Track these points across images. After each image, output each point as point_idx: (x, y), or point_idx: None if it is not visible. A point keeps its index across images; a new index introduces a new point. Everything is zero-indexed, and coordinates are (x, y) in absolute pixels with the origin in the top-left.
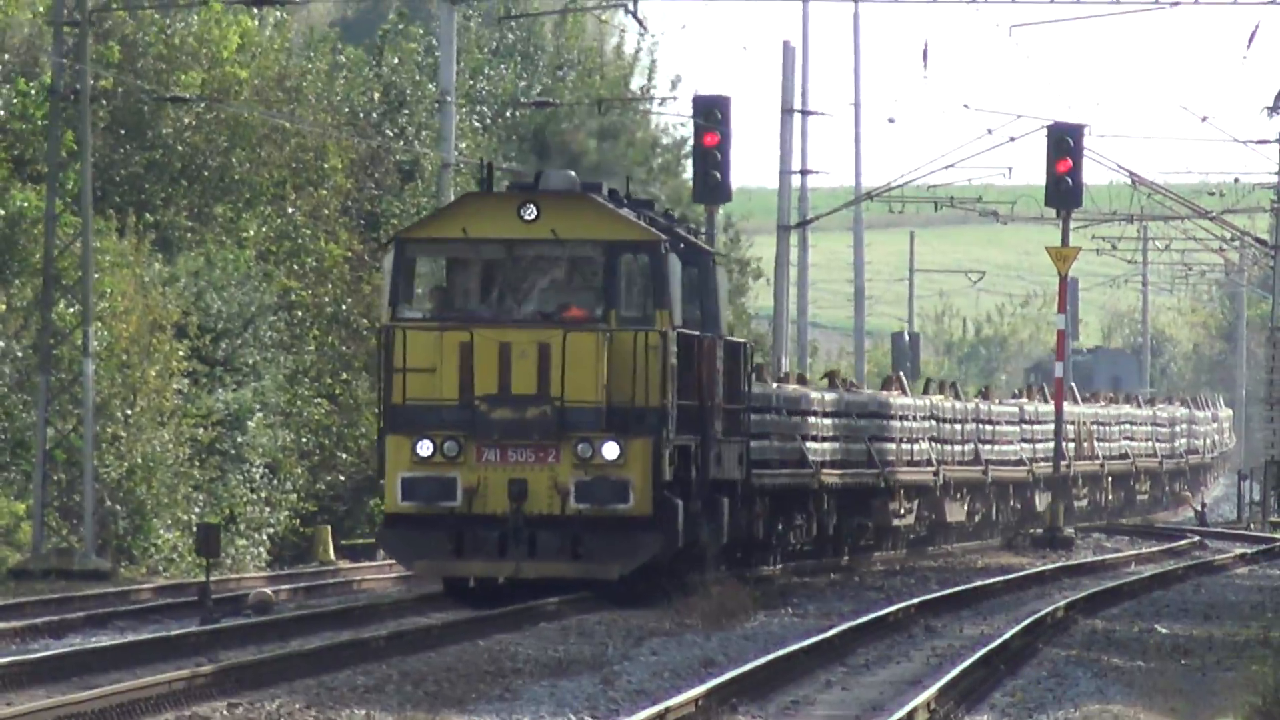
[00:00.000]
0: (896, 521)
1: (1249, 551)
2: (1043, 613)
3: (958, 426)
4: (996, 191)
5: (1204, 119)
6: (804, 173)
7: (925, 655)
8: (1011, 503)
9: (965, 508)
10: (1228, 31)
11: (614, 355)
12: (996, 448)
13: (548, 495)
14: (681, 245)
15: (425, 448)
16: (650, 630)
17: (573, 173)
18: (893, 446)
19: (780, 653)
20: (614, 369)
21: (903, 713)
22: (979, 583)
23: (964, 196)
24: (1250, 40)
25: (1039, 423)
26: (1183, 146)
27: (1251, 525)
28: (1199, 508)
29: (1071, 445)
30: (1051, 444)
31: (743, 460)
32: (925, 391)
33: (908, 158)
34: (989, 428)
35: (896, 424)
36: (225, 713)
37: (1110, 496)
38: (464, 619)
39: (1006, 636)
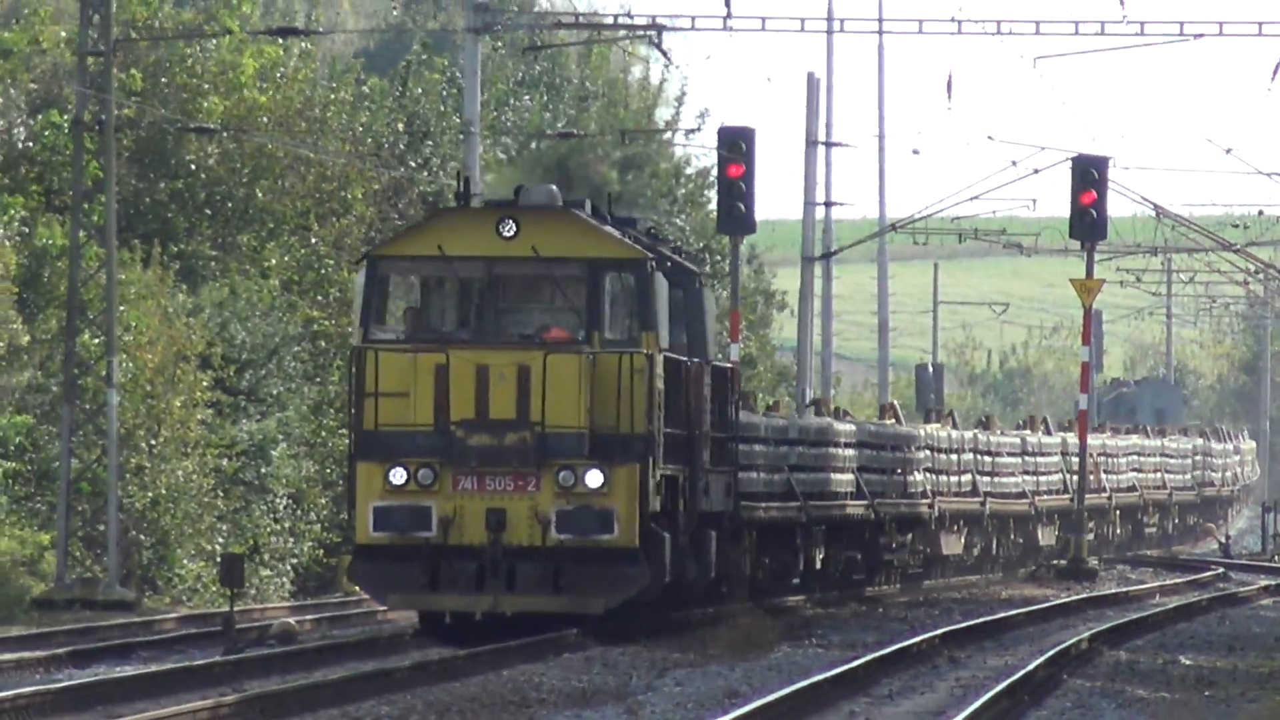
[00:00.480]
0: (888, 555)
1: (1273, 583)
2: (1067, 644)
3: (954, 457)
4: (1021, 223)
5: (1228, 151)
6: (828, 204)
7: (949, 686)
8: (1013, 536)
9: (962, 540)
10: (1252, 64)
11: (598, 379)
12: (996, 479)
13: (528, 525)
14: (668, 264)
15: (399, 475)
16: (674, 661)
17: (554, 187)
18: (883, 478)
19: (804, 683)
20: (598, 393)
21: None
22: (1003, 614)
23: (988, 228)
24: (1275, 72)
25: (1041, 454)
26: (1207, 179)
27: (1276, 557)
28: (1223, 540)
29: (1076, 478)
30: (1054, 476)
31: (730, 491)
32: (926, 421)
33: (932, 189)
34: (988, 459)
35: (888, 454)
36: None
37: (1118, 530)
38: (488, 650)
39: (1030, 667)
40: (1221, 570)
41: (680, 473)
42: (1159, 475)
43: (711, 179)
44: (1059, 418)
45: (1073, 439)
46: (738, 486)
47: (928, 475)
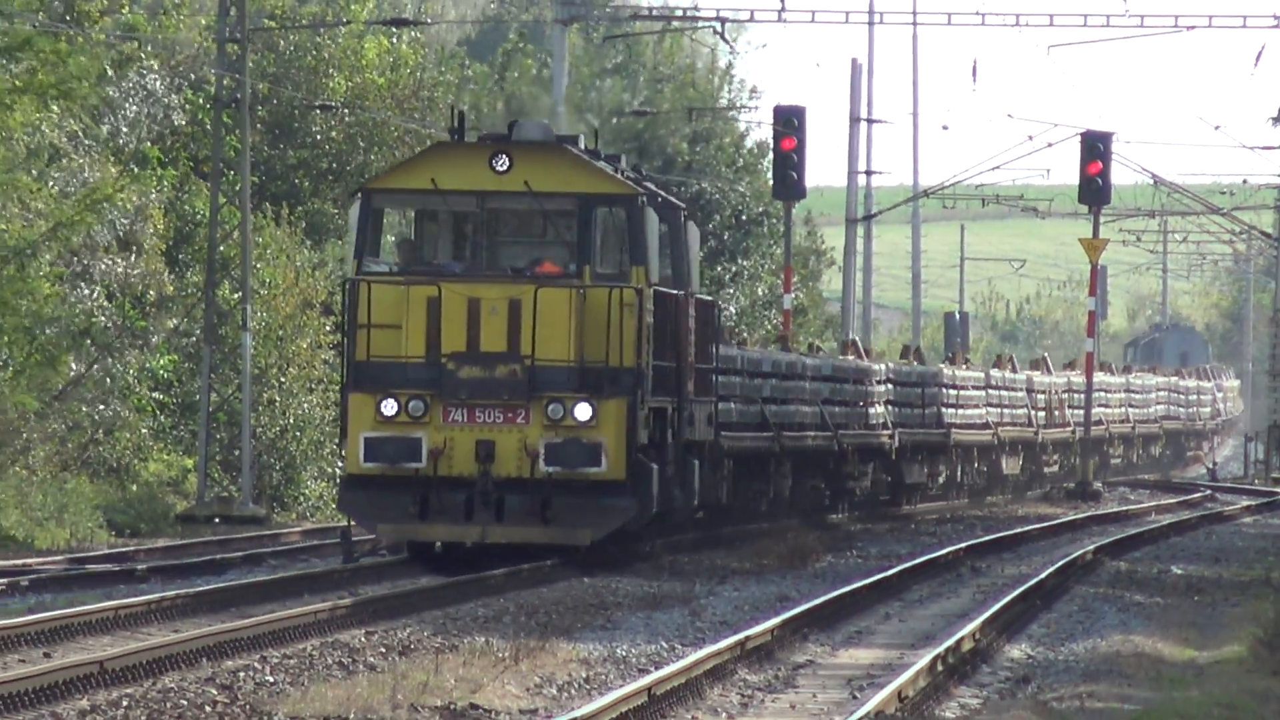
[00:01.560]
0: (851, 484)
1: (1254, 504)
2: (1074, 555)
3: (917, 390)
4: (1036, 190)
5: (1216, 128)
6: (869, 173)
7: (971, 592)
8: (977, 465)
9: (926, 470)
10: (1238, 51)
11: (587, 313)
12: (961, 412)
13: (517, 457)
14: (658, 200)
15: (390, 406)
16: (733, 570)
17: (546, 122)
18: (846, 410)
19: (845, 589)
20: (587, 327)
21: (951, 642)
22: (1018, 529)
23: (1008, 194)
24: (1257, 59)
25: (1006, 389)
26: (1198, 151)
27: (1256, 481)
28: (1211, 465)
29: (1041, 413)
30: (1019, 410)
31: (712, 421)
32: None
33: (959, 160)
34: (952, 392)
35: (850, 388)
36: (363, 639)
37: (1080, 460)
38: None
39: (1042, 576)
40: (1209, 492)
41: (668, 404)
42: (1123, 410)
43: (768, 151)
44: (1069, 359)
45: (1038, 376)
46: (718, 417)
47: (890, 408)
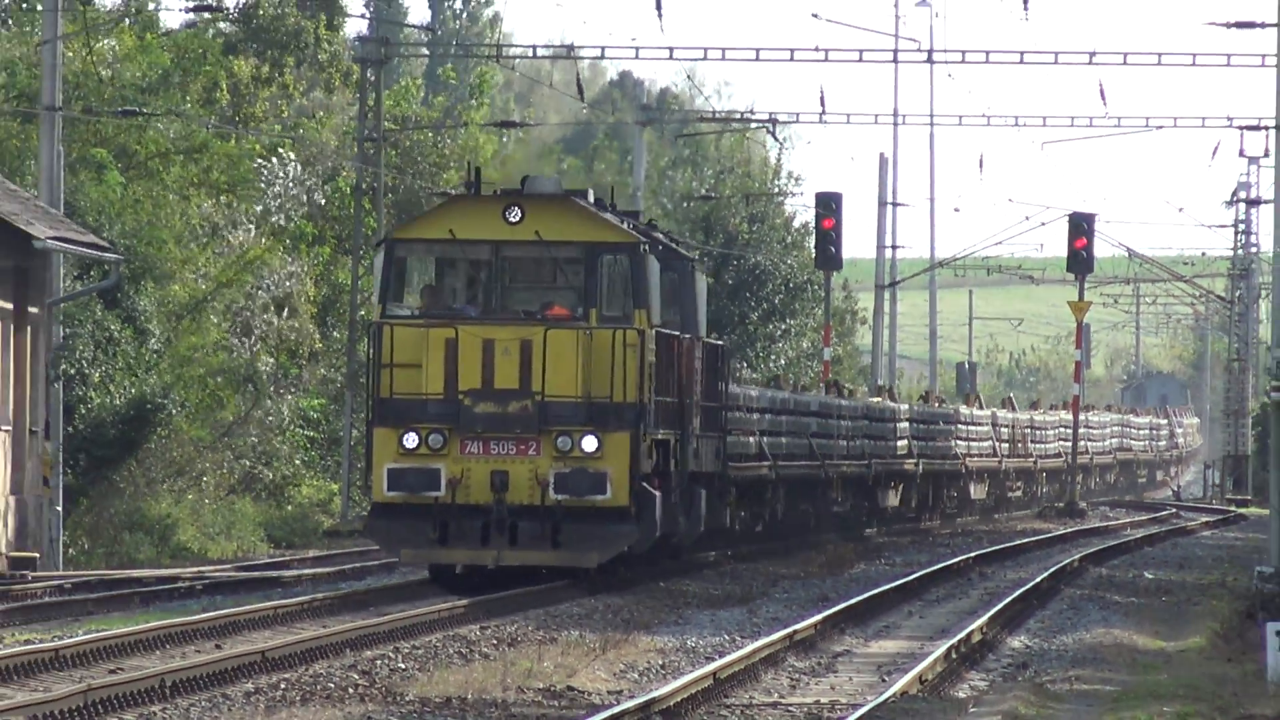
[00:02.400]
0: (835, 508)
1: (1212, 520)
2: (1064, 563)
3: (890, 425)
4: (1032, 261)
5: (1180, 209)
6: (894, 247)
7: (979, 593)
8: (947, 490)
9: (899, 495)
10: (1199, 146)
11: (594, 352)
12: (932, 444)
13: (528, 486)
14: (660, 248)
15: (411, 440)
16: (783, 575)
17: (557, 177)
18: (877, 443)
19: (875, 591)
20: (593, 365)
21: (962, 634)
22: (1017, 541)
23: (1008, 265)
24: (1214, 153)
25: (974, 424)
26: (1166, 229)
27: (1214, 501)
28: (1175, 489)
29: (1006, 445)
30: (985, 443)
31: (719, 454)
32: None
33: (968, 236)
34: (924, 426)
35: (880, 425)
36: (478, 632)
37: (1045, 488)
38: (651, 569)
39: (1038, 580)
40: (1175, 510)
41: (672, 436)
42: (1083, 444)
43: (810, 229)
44: (1062, 401)
45: (1002, 413)
46: (726, 450)
47: (868, 441)
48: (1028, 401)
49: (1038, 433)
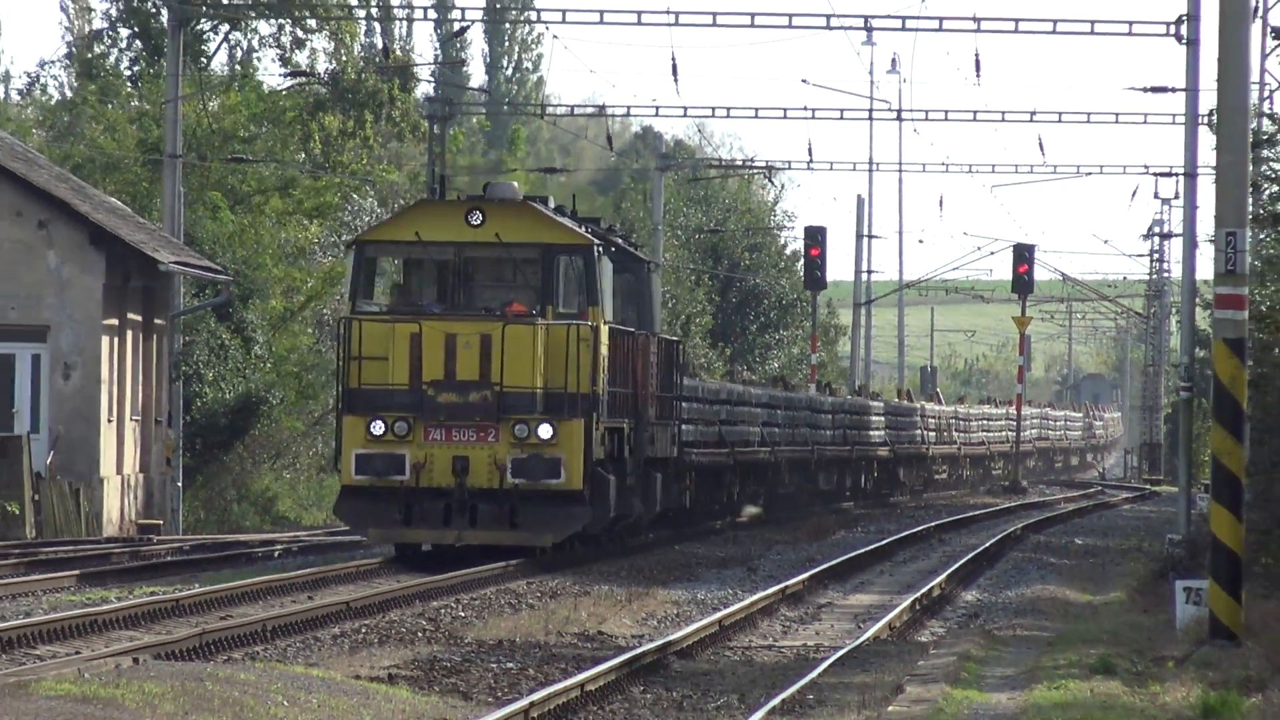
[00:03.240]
0: (781, 489)
1: (1131, 496)
2: (1009, 530)
3: (828, 416)
4: (982, 284)
5: (1105, 241)
6: (869, 272)
7: (940, 555)
8: (875, 473)
9: (835, 478)
10: (1121, 188)
11: (549, 346)
12: (865, 433)
13: (488, 471)
14: (613, 249)
15: (378, 427)
16: (777, 541)
17: (515, 184)
18: (856, 432)
19: (853, 554)
20: (549, 358)
21: (924, 590)
22: (970, 514)
23: (963, 286)
24: (1133, 195)
25: (902, 415)
26: (1094, 257)
27: (1132, 481)
28: (1100, 471)
29: (933, 434)
30: (914, 432)
31: (675, 440)
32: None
33: (930, 263)
34: (857, 417)
35: (858, 417)
36: (525, 587)
37: (969, 471)
38: (668, 535)
39: (988, 544)
40: (1100, 489)
41: (626, 424)
42: (1003, 434)
43: (800, 256)
44: (1006, 398)
45: (930, 406)
46: (681, 436)
47: (885, 431)
48: (979, 398)
49: (962, 424)
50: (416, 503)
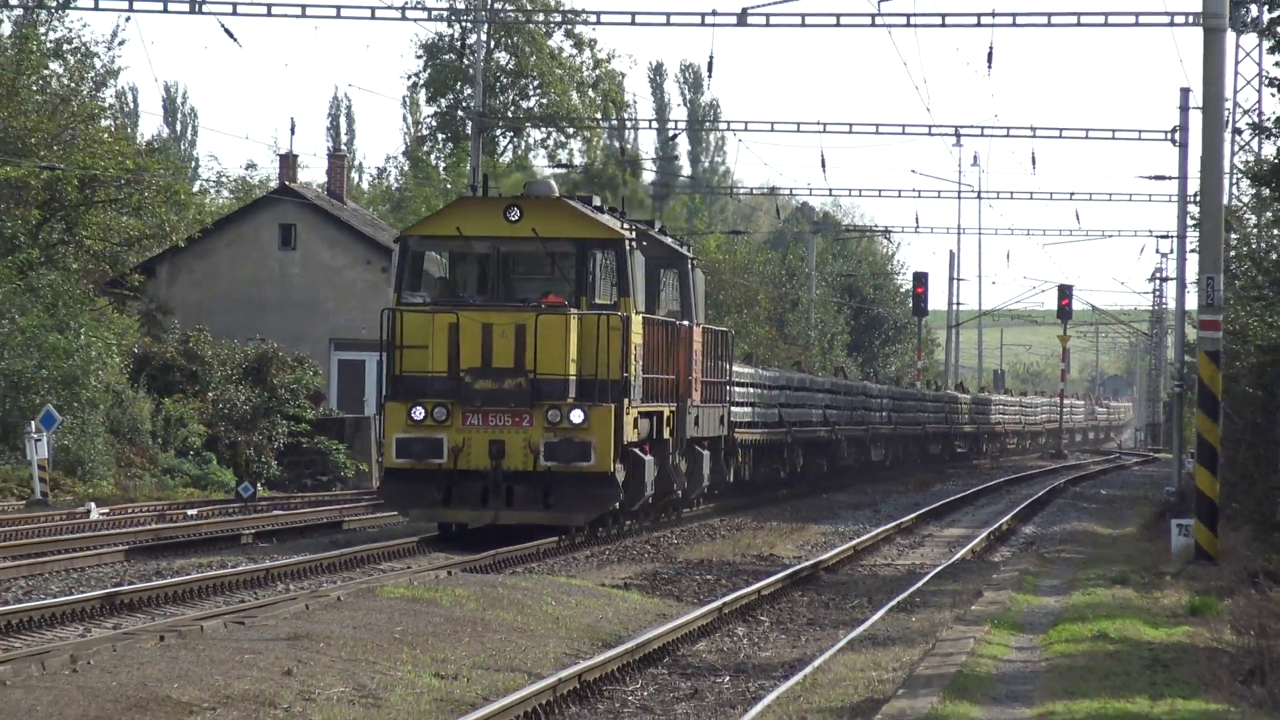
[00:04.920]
0: (955, 449)
1: (1140, 461)
2: (1054, 485)
3: (978, 406)
4: (1037, 312)
5: (1122, 282)
6: (957, 304)
7: (1006, 501)
8: (911, 448)
9: (883, 452)
10: (1133, 247)
11: (581, 335)
12: (957, 416)
13: (522, 454)
14: (644, 243)
15: (418, 412)
16: (894, 491)
17: (552, 182)
18: (949, 415)
19: (946, 500)
20: (581, 347)
21: (996, 526)
22: (1027, 472)
23: (1023, 314)
24: (1141, 251)
25: (981, 403)
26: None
27: (1141, 450)
28: (1119, 444)
29: (1002, 417)
30: (990, 416)
31: (724, 421)
32: (981, 391)
33: (1000, 297)
34: (951, 405)
35: (951, 406)
36: (718, 523)
37: (1028, 442)
38: (813, 488)
39: (1039, 494)
40: (1119, 456)
41: (666, 408)
42: (1018, 417)
43: (909, 292)
44: (1053, 392)
45: (999, 397)
46: (731, 418)
47: (970, 414)
48: (1026, 392)
49: (1022, 410)
50: (455, 484)
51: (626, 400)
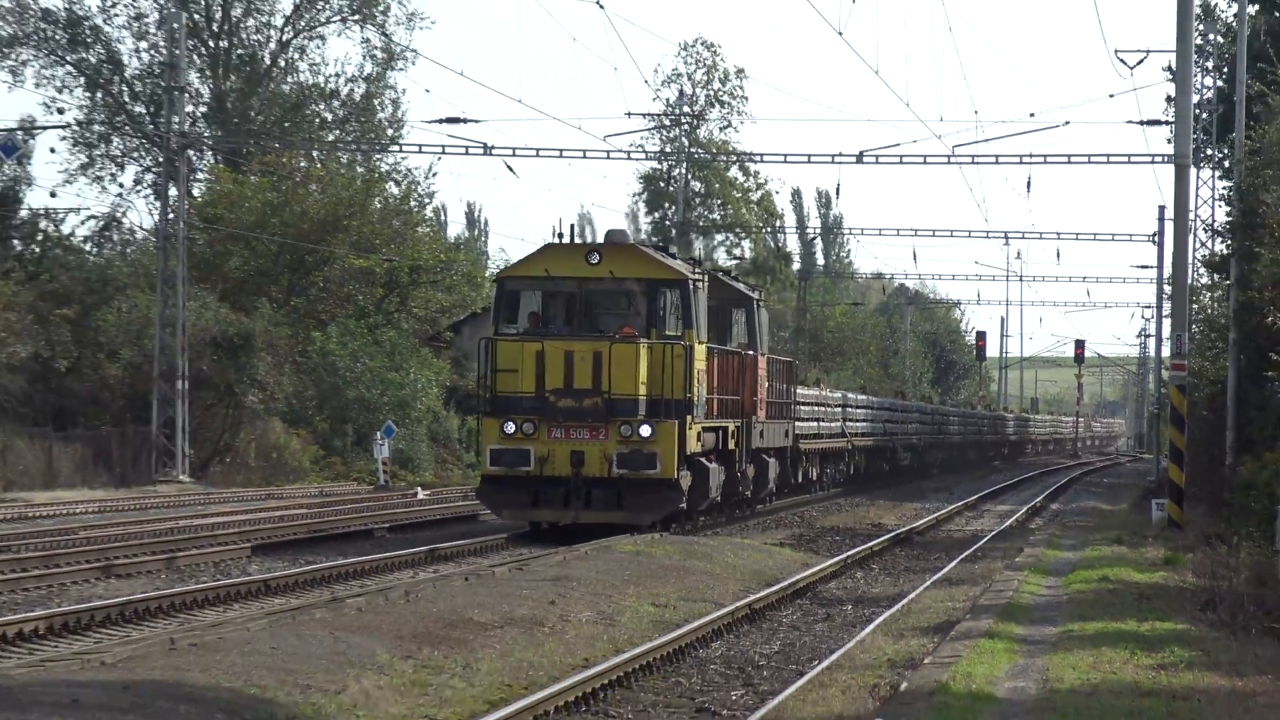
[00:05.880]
0: (1003, 452)
1: (1130, 460)
2: (1072, 476)
3: (1018, 424)
4: (1061, 358)
5: (1118, 337)
6: (1005, 353)
7: (1040, 487)
8: (974, 451)
9: (990, 454)
10: (1126, 314)
11: (650, 361)
12: (1004, 428)
13: (599, 463)
14: (705, 281)
15: (509, 427)
16: (964, 480)
17: (627, 230)
18: (998, 427)
19: (998, 486)
20: (650, 371)
21: (1033, 503)
22: (1054, 467)
23: (1050, 360)
24: (1131, 317)
25: (1023, 421)
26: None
27: (1134, 453)
28: (1115, 450)
29: (1037, 430)
30: (1029, 429)
31: (789, 434)
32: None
33: (1036, 347)
34: (1000, 422)
35: (999, 423)
36: (843, 501)
37: (1054, 447)
38: (907, 478)
39: (1063, 481)
40: (1116, 457)
41: (732, 424)
42: (1050, 430)
43: (973, 344)
44: (1071, 414)
45: (1036, 416)
46: (795, 431)
47: (1012, 427)
48: (1059, 414)
49: (1050, 426)
50: (541, 489)
51: (689, 417)
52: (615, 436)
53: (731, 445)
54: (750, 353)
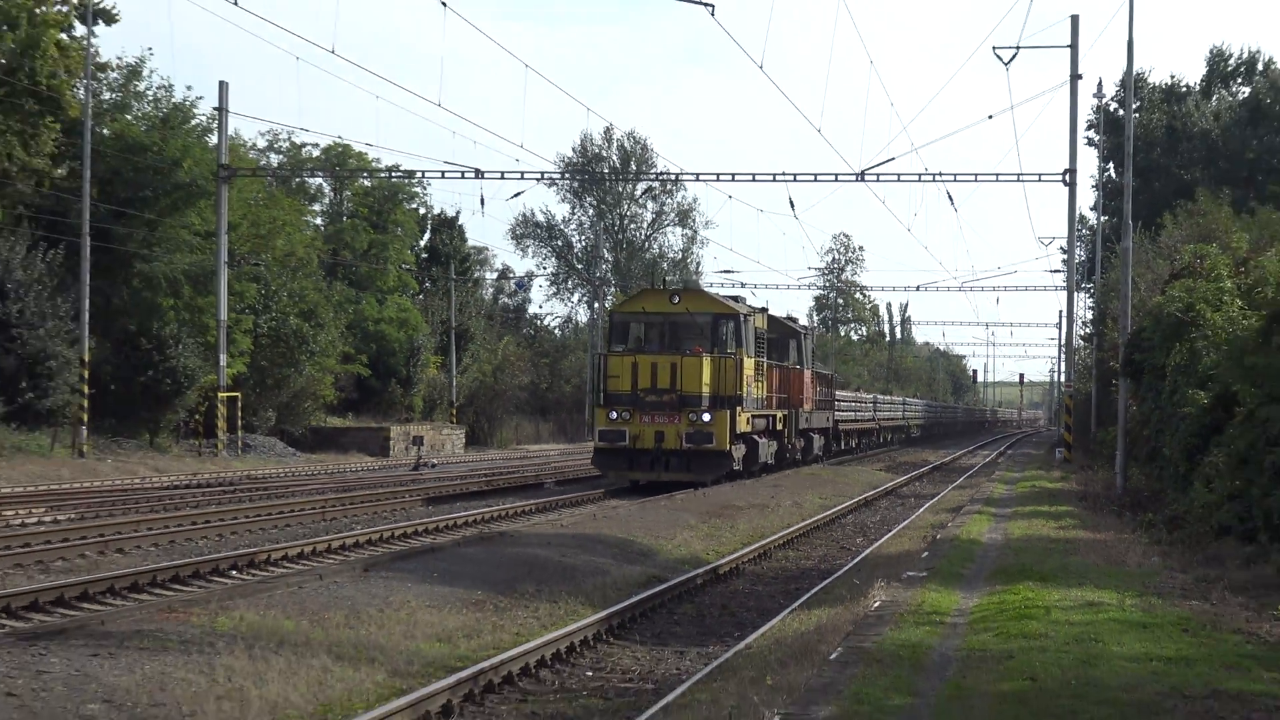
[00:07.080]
0: (982, 429)
1: (1046, 430)
2: (1018, 437)
3: (944, 410)
4: (1015, 383)
5: (1044, 370)
6: (988, 381)
7: (1005, 444)
8: (969, 429)
9: (957, 428)
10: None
11: (712, 370)
12: (965, 416)
13: (675, 439)
14: (752, 315)
15: (613, 415)
16: (963, 443)
17: (696, 281)
18: (972, 415)
19: (981, 444)
20: (712, 376)
21: (997, 452)
22: (1012, 435)
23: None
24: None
25: (1007, 414)
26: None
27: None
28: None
29: (1014, 415)
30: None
31: (829, 420)
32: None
33: (1001, 375)
34: (960, 411)
35: (978, 413)
36: (900, 452)
37: (1028, 429)
38: (946, 465)
39: (1014, 440)
40: (1039, 429)
41: (780, 413)
42: (1010, 416)
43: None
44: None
45: (989, 408)
46: (835, 417)
47: (956, 415)
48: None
49: (1001, 413)
50: (634, 457)
51: (739, 407)
52: (685, 421)
53: (780, 427)
54: (798, 367)
